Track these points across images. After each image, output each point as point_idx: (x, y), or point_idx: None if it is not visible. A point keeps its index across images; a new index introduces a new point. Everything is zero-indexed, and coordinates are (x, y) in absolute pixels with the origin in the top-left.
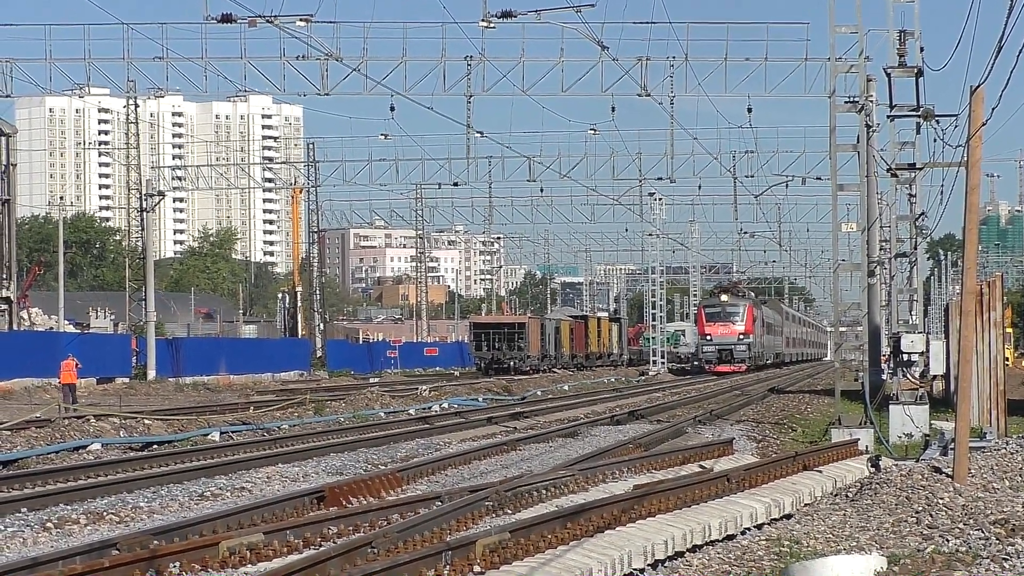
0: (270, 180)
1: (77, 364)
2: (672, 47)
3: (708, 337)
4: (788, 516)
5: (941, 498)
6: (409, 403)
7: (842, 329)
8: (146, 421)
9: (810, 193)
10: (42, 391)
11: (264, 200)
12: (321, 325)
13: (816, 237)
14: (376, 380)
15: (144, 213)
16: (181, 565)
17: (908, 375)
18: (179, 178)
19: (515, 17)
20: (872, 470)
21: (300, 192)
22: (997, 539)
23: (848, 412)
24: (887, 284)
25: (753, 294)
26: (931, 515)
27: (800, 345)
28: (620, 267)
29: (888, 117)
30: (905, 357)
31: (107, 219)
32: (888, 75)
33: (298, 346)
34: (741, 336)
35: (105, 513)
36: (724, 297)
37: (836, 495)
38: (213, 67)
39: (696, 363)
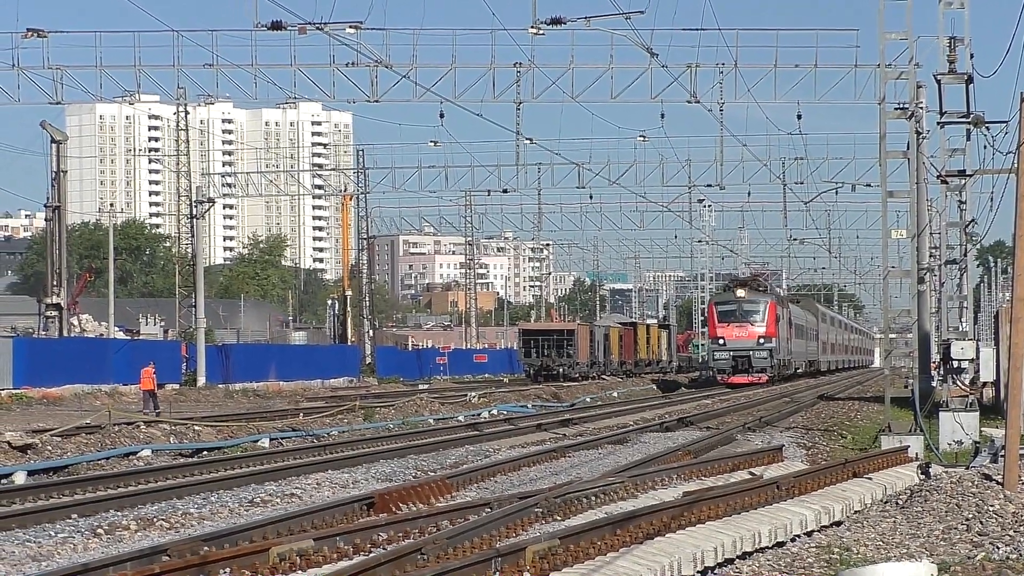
0: (320, 187)
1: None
2: (721, 54)
3: (720, 341)
4: (838, 523)
5: (991, 505)
6: (458, 410)
7: (892, 336)
8: (196, 427)
9: (860, 200)
10: (92, 397)
11: (314, 207)
12: (371, 332)
13: (866, 244)
14: (425, 387)
15: (194, 220)
16: (231, 571)
17: (958, 382)
18: (229, 185)
19: (564, 24)
20: (922, 477)
21: (350, 199)
22: None
23: (898, 419)
24: (937, 291)
25: (779, 289)
26: (981, 522)
27: (841, 351)
28: (669, 274)
29: (938, 124)
30: (955, 364)
31: (157, 226)
32: (938, 81)
33: (347, 353)
34: (761, 339)
35: (155, 519)
36: (740, 292)
37: (886, 502)
38: (263, 74)
39: (707, 372)
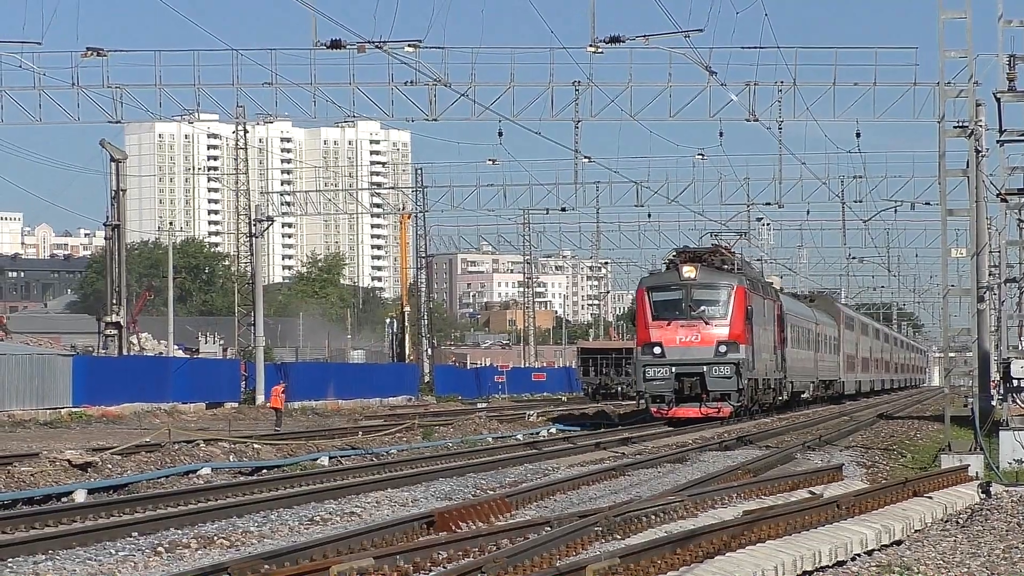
0: (378, 205)
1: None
2: (780, 72)
3: (656, 349)
4: (898, 542)
5: None
6: (517, 428)
7: (952, 355)
8: (255, 446)
9: (919, 218)
10: (151, 416)
11: (372, 225)
12: (429, 350)
13: (925, 262)
14: (484, 405)
15: (253, 238)
16: None
17: (1018, 401)
18: (287, 203)
19: (623, 42)
20: (982, 496)
21: (408, 217)
22: None
23: (958, 438)
24: (996, 310)
25: (759, 271)
26: None
27: (879, 369)
28: None
29: (998, 142)
30: (1015, 383)
31: (216, 244)
32: (998, 100)
33: (406, 371)
34: (722, 346)
35: (216, 537)
36: (688, 271)
37: (946, 521)
38: (322, 92)
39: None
